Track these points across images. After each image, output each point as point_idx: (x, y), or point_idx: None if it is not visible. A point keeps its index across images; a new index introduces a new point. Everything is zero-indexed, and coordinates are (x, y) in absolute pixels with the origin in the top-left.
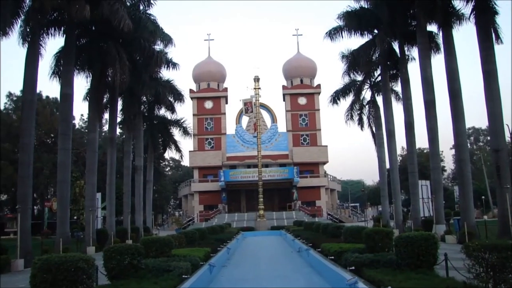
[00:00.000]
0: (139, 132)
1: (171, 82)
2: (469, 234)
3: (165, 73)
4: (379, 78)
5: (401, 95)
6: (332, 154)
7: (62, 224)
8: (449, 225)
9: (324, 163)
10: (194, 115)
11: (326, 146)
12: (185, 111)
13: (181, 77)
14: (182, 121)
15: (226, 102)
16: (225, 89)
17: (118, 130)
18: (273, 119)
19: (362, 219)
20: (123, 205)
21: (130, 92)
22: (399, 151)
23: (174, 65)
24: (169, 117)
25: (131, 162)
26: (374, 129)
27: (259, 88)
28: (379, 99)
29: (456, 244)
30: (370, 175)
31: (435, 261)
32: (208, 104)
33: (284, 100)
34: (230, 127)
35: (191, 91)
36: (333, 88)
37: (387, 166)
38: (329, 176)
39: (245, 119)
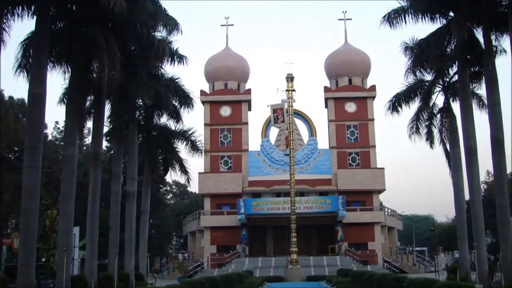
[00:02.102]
0: (133, 147)
1: (176, 80)
2: None
3: (169, 69)
4: (456, 77)
5: (485, 101)
6: (390, 180)
7: (26, 268)
8: None
9: (380, 191)
10: (206, 124)
11: (383, 168)
12: (194, 119)
13: (190, 75)
14: (190, 132)
15: (249, 109)
16: (248, 91)
17: (105, 144)
18: (312, 131)
19: (432, 268)
20: (109, 244)
21: (121, 93)
22: (482, 176)
23: (181, 58)
24: (173, 127)
25: (121, 186)
26: (448, 146)
27: (293, 90)
28: (455, 106)
29: None
30: (442, 209)
31: None
32: (225, 111)
33: (326, 107)
34: (253, 141)
35: (202, 93)
36: (391, 91)
37: (467, 196)
38: (386, 210)
39: (273, 132)
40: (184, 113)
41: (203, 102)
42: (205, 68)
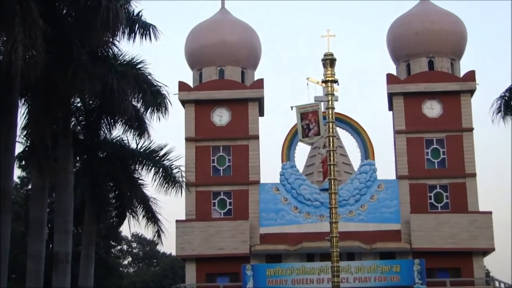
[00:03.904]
0: (65, 178)
1: (139, 66)
2: None
3: (127, 48)
4: None
5: None
6: (502, 233)
7: None
8: None
9: (485, 252)
10: (189, 140)
11: (490, 213)
12: (169, 130)
13: (164, 59)
14: (161, 153)
15: (261, 113)
16: (258, 83)
17: (18, 172)
18: (367, 151)
19: None
20: None
21: (46, 87)
22: None
23: (147, 29)
24: (134, 145)
25: (45, 244)
26: None
27: (335, 82)
28: None
29: None
30: None
31: None
32: (221, 116)
33: (390, 109)
34: (268, 167)
35: (182, 86)
36: (500, 83)
37: None
38: (497, 284)
39: (302, 151)
40: (153, 120)
41: (183, 102)
42: (186, 44)
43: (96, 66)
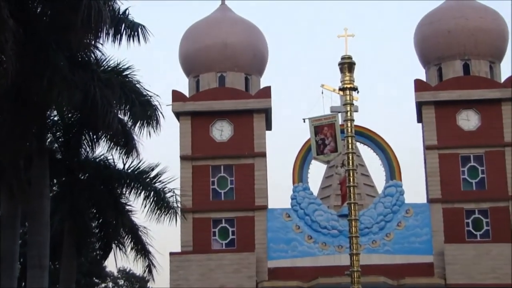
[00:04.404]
0: (40, 204)
1: (126, 73)
2: None
3: (112, 52)
4: None
5: None
6: None
7: None
8: None
9: None
10: (184, 158)
11: None
12: (162, 147)
13: (154, 63)
14: (152, 175)
15: (268, 127)
16: (265, 92)
17: None
18: (392, 170)
19: None
20: None
21: (17, 97)
22: None
23: (134, 29)
24: (120, 165)
25: (17, 282)
26: None
27: (355, 90)
28: None
29: None
30: None
31: None
32: (222, 131)
33: (420, 120)
34: (277, 190)
35: (176, 96)
36: None
37: None
38: None
39: (316, 170)
40: (142, 136)
41: (178, 114)
42: (181, 47)
43: (76, 73)
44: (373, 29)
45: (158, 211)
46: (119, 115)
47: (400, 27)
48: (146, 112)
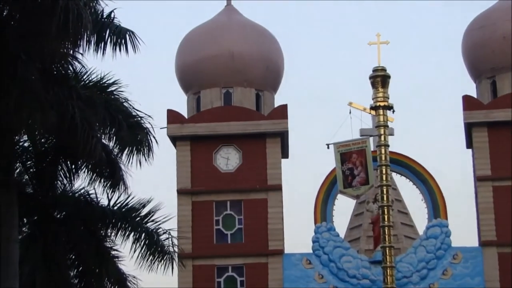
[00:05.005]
0: (7, 249)
1: (111, 89)
2: None
3: (94, 63)
4: None
5: None
6: None
7: None
8: None
9: None
10: (181, 192)
11: None
12: (155, 177)
13: (145, 77)
14: (143, 213)
15: (284, 154)
16: (281, 112)
17: None
18: (435, 206)
19: None
20: None
21: None
22: None
23: (120, 36)
24: (104, 201)
25: None
26: None
27: (390, 108)
28: None
29: None
30: None
31: None
32: (227, 159)
33: (469, 146)
34: (294, 232)
35: (171, 117)
36: None
37: None
38: None
39: (342, 206)
40: (131, 165)
41: (174, 139)
42: (178, 57)
43: (51, 89)
44: (411, 35)
45: (151, 257)
46: (103, 141)
47: (444, 32)
48: (135, 137)
